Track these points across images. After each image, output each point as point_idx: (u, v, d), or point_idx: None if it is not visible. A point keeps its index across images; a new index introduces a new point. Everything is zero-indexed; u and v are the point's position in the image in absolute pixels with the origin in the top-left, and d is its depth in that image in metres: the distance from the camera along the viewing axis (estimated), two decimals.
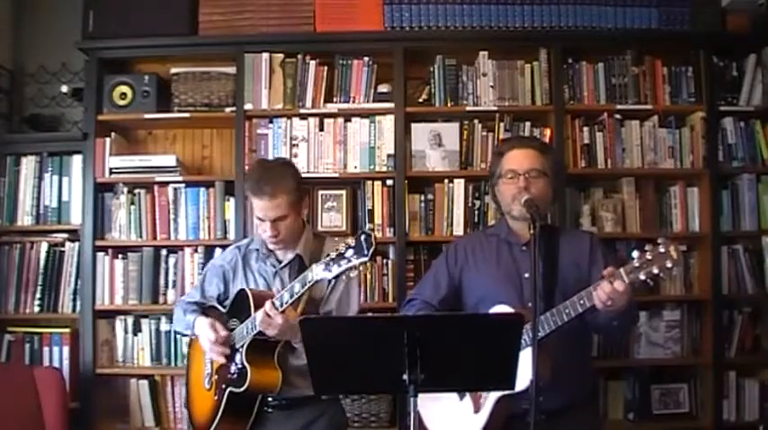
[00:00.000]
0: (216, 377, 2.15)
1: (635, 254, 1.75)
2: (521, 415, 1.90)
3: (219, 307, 2.21)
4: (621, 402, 3.07)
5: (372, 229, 1.81)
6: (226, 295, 2.23)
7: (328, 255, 1.85)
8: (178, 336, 3.03)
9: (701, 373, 3.05)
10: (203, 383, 2.20)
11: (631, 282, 1.75)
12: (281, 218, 2.06)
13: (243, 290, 2.13)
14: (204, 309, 2.21)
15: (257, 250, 2.22)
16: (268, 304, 1.94)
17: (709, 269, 2.98)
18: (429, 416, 2.01)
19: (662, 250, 1.71)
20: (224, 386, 2.08)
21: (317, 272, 1.87)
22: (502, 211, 2.16)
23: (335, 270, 1.83)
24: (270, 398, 2.10)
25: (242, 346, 2.05)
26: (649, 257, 1.72)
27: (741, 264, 3.05)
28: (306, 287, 1.92)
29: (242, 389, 2.01)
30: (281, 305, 1.94)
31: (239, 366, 2.05)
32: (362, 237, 1.79)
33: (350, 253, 1.80)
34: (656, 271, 1.71)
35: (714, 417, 2.96)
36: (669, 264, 1.70)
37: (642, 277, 1.73)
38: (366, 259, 1.79)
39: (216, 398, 2.11)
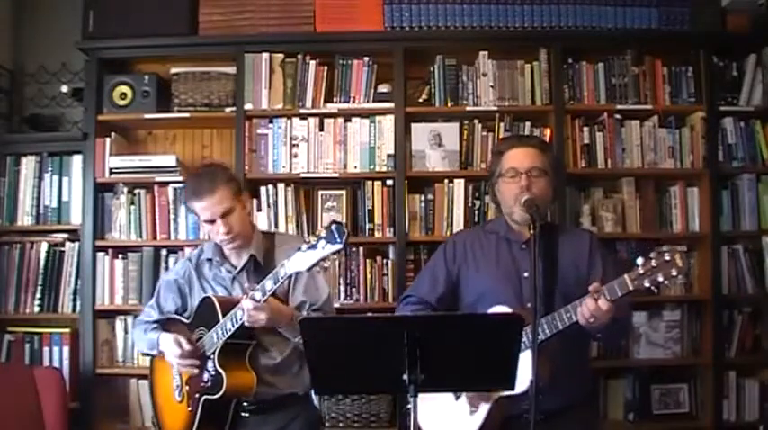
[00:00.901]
0: (187, 388, 2.13)
1: (639, 261, 1.73)
2: (518, 415, 1.90)
3: (181, 318, 2.19)
4: (621, 402, 3.06)
5: (342, 223, 1.78)
6: (184, 308, 2.22)
7: (299, 248, 1.84)
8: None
9: (701, 373, 3.05)
10: (173, 396, 2.17)
11: (636, 289, 1.74)
12: (228, 211, 2.06)
13: (208, 297, 2.11)
14: (166, 322, 2.20)
15: (209, 260, 2.20)
16: (247, 301, 1.92)
17: (710, 269, 2.98)
18: (424, 415, 2.01)
19: (667, 258, 1.70)
20: (197, 395, 2.07)
21: (289, 265, 1.86)
22: (501, 211, 2.15)
23: (309, 261, 1.81)
24: (245, 403, 2.09)
25: (213, 353, 2.04)
26: (654, 265, 1.71)
27: (741, 264, 3.04)
28: (279, 283, 1.91)
29: (218, 396, 2.00)
30: (259, 300, 1.93)
31: (213, 373, 2.03)
32: (333, 226, 1.78)
33: (322, 243, 1.79)
34: (660, 278, 1.70)
35: (714, 417, 2.95)
36: (674, 273, 1.69)
37: (647, 284, 1.72)
38: (340, 246, 1.77)
39: (190, 409, 2.09)
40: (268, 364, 2.08)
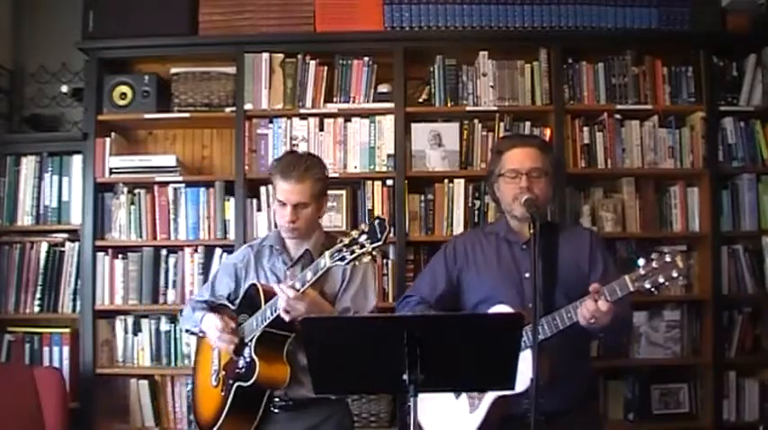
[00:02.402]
0: (223, 373, 2.14)
1: (641, 262, 1.74)
2: (518, 416, 1.90)
3: (229, 304, 2.20)
4: (621, 402, 3.06)
5: (385, 219, 1.79)
6: (236, 294, 2.22)
7: (341, 240, 1.84)
8: (178, 336, 3.05)
9: (701, 373, 3.05)
10: (210, 381, 2.19)
11: (636, 290, 1.74)
12: (302, 204, 2.07)
13: (254, 284, 2.12)
14: (213, 308, 2.21)
15: (271, 246, 2.21)
16: (284, 288, 1.91)
17: (710, 269, 2.98)
18: (424, 414, 2.01)
19: (668, 259, 1.71)
20: (231, 381, 2.07)
21: (329, 258, 1.86)
22: (501, 210, 2.15)
23: (348, 256, 1.81)
24: (276, 399, 2.09)
25: (251, 340, 2.04)
26: (655, 266, 1.71)
27: (741, 264, 3.04)
28: (318, 274, 1.90)
29: (250, 383, 1.99)
30: (298, 289, 1.92)
31: (248, 360, 2.04)
32: (376, 222, 1.78)
33: (363, 238, 1.79)
34: (661, 280, 1.70)
35: (714, 417, 2.95)
36: (675, 274, 1.70)
37: (647, 286, 1.72)
38: (380, 243, 1.77)
39: (223, 394, 2.10)
40: (304, 364, 2.05)
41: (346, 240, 1.83)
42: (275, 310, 1.97)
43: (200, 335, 2.23)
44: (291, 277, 1.97)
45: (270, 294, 2.03)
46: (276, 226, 2.27)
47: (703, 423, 3.00)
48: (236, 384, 2.05)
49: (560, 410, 1.91)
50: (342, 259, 1.83)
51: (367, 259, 1.84)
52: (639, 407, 3.01)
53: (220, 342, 2.10)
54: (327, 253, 1.87)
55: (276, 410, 2.10)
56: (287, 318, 1.94)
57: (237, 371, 2.07)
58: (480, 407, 1.94)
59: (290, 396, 2.08)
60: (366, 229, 1.79)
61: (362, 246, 1.79)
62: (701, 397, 3.04)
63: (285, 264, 2.17)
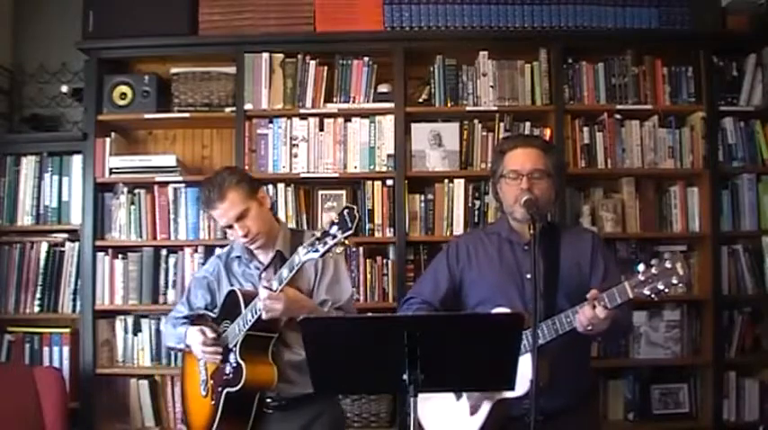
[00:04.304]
0: (211, 382, 2.14)
1: (640, 267, 1.71)
2: (517, 416, 1.89)
3: (209, 313, 2.21)
4: (621, 402, 3.06)
5: (354, 208, 1.79)
6: (214, 304, 2.23)
7: (313, 234, 1.85)
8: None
9: (701, 373, 3.05)
10: (199, 391, 2.19)
11: (636, 296, 1.72)
12: (242, 215, 2.07)
13: (233, 291, 2.13)
14: (194, 319, 2.22)
15: (239, 257, 2.22)
16: (263, 291, 1.93)
17: (710, 269, 2.98)
18: (425, 415, 2.01)
19: (668, 265, 1.68)
20: (220, 388, 2.08)
21: (303, 253, 1.86)
22: (503, 210, 2.15)
23: (321, 248, 1.82)
24: (269, 399, 2.10)
25: (235, 345, 2.05)
26: (655, 272, 1.69)
27: (741, 264, 3.04)
28: (294, 270, 1.91)
29: (238, 388, 2.00)
30: (276, 289, 1.94)
31: (234, 365, 2.04)
32: (345, 212, 1.78)
33: (334, 229, 1.79)
34: (661, 286, 1.68)
35: (714, 417, 2.95)
36: (675, 281, 1.67)
37: (646, 292, 1.70)
38: (350, 232, 1.77)
39: (213, 402, 2.11)
40: (291, 361, 2.07)
41: (318, 233, 1.83)
42: (256, 312, 1.98)
43: (186, 349, 2.23)
44: (267, 279, 1.98)
45: (250, 298, 2.03)
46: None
47: (703, 423, 3.00)
48: (225, 391, 2.05)
49: (560, 410, 1.91)
50: (315, 251, 1.83)
51: (340, 249, 1.85)
52: (639, 407, 3.02)
53: (206, 356, 2.11)
54: (300, 248, 1.88)
55: (270, 411, 2.11)
56: (266, 317, 1.95)
57: (225, 377, 2.07)
58: (481, 409, 1.93)
59: (283, 395, 2.09)
60: (336, 220, 1.80)
61: (334, 237, 1.79)
62: (701, 397, 3.04)
63: (258, 268, 2.18)
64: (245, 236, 2.08)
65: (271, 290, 1.93)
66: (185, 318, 2.25)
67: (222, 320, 2.15)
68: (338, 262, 2.17)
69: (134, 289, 3.05)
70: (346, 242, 1.81)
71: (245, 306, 2.03)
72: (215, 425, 2.08)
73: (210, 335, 2.09)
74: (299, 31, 3.07)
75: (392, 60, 3.02)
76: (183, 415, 2.31)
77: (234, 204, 2.06)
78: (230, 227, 2.09)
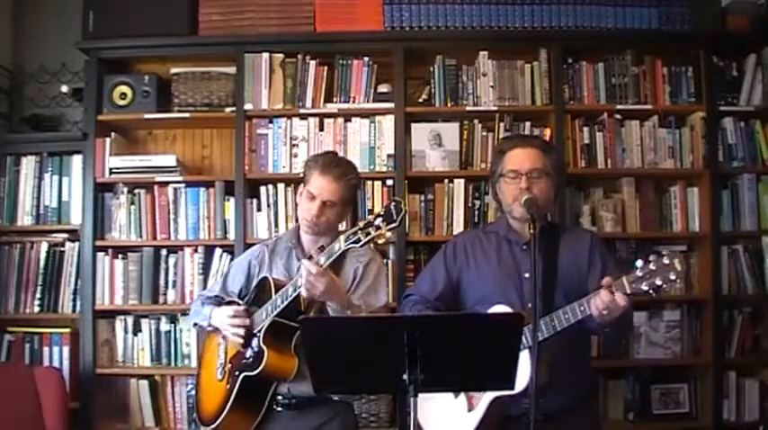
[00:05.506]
0: (229, 366, 2.14)
1: (639, 263, 1.73)
2: (517, 416, 1.90)
3: (239, 301, 2.19)
4: (621, 402, 3.06)
5: (401, 201, 1.80)
6: (248, 290, 2.23)
7: (356, 224, 1.84)
8: (178, 336, 3.05)
9: (701, 373, 3.05)
10: (215, 375, 2.19)
11: (633, 292, 1.74)
12: (330, 203, 2.09)
13: (265, 277, 2.13)
14: (222, 304, 2.21)
15: (285, 244, 2.23)
16: (309, 265, 1.90)
17: (710, 269, 2.98)
18: (422, 413, 2.00)
19: (666, 262, 1.70)
20: (237, 373, 2.07)
21: (344, 241, 1.85)
22: (503, 210, 2.15)
23: (363, 238, 1.81)
24: (280, 396, 2.09)
25: (260, 331, 2.05)
26: (653, 268, 1.71)
27: (741, 264, 3.04)
28: (333, 256, 1.90)
29: (257, 372, 1.99)
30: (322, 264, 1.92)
31: (255, 350, 2.04)
32: (392, 205, 1.78)
33: (378, 220, 1.79)
34: (659, 282, 1.70)
35: (714, 417, 2.95)
36: (673, 277, 1.69)
37: (644, 288, 1.72)
38: (396, 225, 1.77)
39: (228, 386, 2.10)
40: None
41: (361, 224, 1.82)
42: (287, 298, 1.98)
43: (209, 329, 2.23)
44: (316, 254, 1.96)
45: (280, 287, 2.04)
46: (297, 220, 2.27)
47: (703, 423, 3.00)
48: (243, 375, 2.04)
49: (560, 410, 1.91)
50: (357, 241, 1.82)
51: (382, 241, 1.83)
52: (639, 407, 3.01)
53: (231, 329, 2.10)
54: (342, 236, 1.87)
55: (279, 408, 2.10)
56: (305, 295, 1.93)
57: (245, 361, 2.07)
58: (478, 407, 1.93)
59: (293, 392, 2.08)
60: (382, 212, 1.79)
61: (378, 228, 1.78)
62: (701, 397, 3.04)
63: (299, 259, 2.16)
64: (316, 217, 2.09)
65: (318, 264, 1.90)
66: (215, 297, 2.26)
67: (250, 306, 2.14)
68: (380, 271, 2.17)
69: (134, 289, 3.04)
70: (389, 235, 1.80)
71: (276, 292, 2.03)
72: (225, 411, 2.06)
73: (239, 308, 2.09)
74: (299, 31, 3.07)
75: (392, 60, 3.02)
76: (195, 399, 2.30)
77: (336, 192, 2.09)
78: (313, 198, 2.09)
